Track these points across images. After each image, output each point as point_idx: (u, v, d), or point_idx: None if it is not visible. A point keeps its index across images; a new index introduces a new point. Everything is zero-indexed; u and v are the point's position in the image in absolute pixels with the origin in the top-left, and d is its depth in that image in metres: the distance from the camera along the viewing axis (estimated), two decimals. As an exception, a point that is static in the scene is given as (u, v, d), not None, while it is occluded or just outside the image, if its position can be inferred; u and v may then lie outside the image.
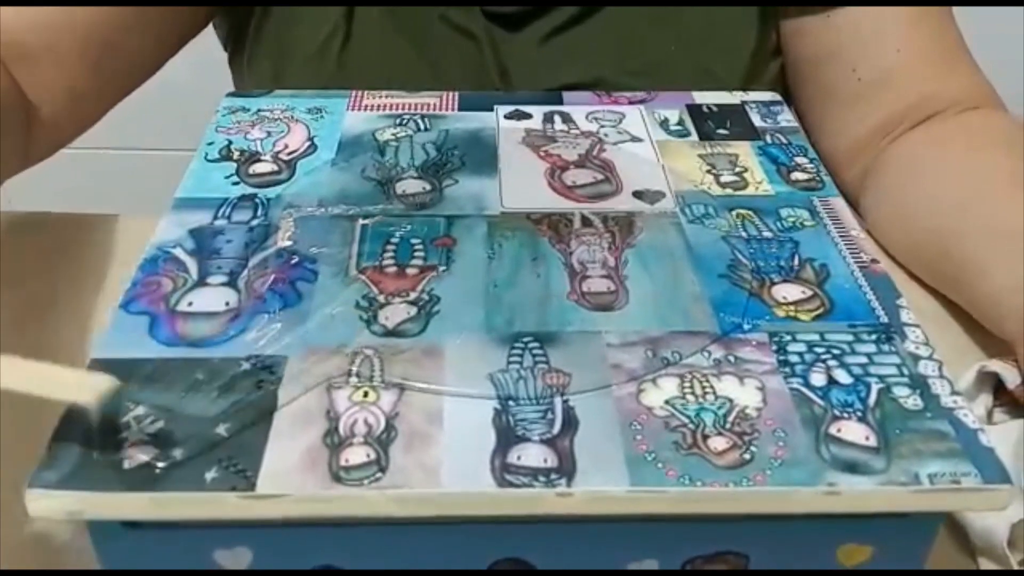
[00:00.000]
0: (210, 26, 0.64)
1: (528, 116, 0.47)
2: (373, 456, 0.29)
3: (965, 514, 0.39)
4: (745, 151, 0.45)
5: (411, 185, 0.42)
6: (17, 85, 0.50)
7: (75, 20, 0.53)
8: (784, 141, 0.46)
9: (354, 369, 0.32)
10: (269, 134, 0.45)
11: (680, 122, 0.47)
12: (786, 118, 0.48)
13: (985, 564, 0.39)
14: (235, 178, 0.42)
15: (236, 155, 0.44)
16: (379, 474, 0.28)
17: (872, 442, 0.30)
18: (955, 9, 0.59)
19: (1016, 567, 0.38)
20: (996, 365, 0.42)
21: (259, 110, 0.47)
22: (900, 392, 0.32)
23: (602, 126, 0.47)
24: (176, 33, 0.59)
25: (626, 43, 0.59)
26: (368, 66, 0.58)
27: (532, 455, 0.29)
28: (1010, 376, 0.42)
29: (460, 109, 0.48)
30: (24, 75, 0.51)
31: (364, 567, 0.31)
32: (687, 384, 0.32)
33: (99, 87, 0.56)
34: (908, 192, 0.54)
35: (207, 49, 0.64)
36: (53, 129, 0.53)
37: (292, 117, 0.47)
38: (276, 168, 0.43)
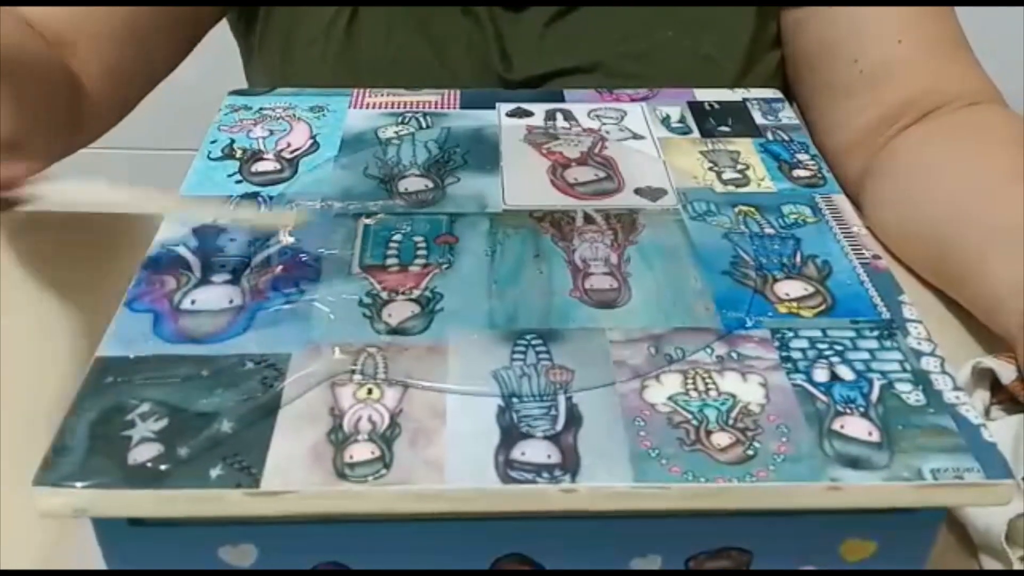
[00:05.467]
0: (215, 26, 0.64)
1: (530, 114, 0.47)
2: (377, 453, 0.29)
3: (964, 509, 0.39)
4: (747, 148, 0.45)
5: (413, 183, 0.42)
6: (68, 66, 0.51)
7: (109, 7, 0.55)
8: (786, 138, 0.46)
9: (358, 366, 0.32)
10: (271, 132, 0.45)
11: (682, 119, 0.47)
12: (787, 115, 0.48)
13: (986, 560, 0.39)
14: (238, 176, 0.42)
15: (239, 153, 0.44)
16: (383, 471, 0.28)
17: (875, 438, 0.30)
18: (955, 9, 0.59)
19: (1015, 562, 0.38)
20: (991, 361, 0.42)
21: (261, 108, 0.47)
22: (902, 388, 0.32)
23: (604, 123, 0.47)
24: (198, 22, 0.61)
25: (626, 28, 0.59)
26: (373, 46, 0.59)
27: (536, 451, 0.29)
28: (1005, 372, 0.42)
29: (462, 107, 0.48)
30: (72, 59, 0.52)
31: (369, 563, 0.31)
32: (690, 380, 0.32)
33: (136, 72, 0.58)
34: (909, 190, 0.54)
35: (210, 49, 0.64)
36: (97, 113, 0.55)
37: (294, 115, 0.47)
38: (278, 166, 0.43)
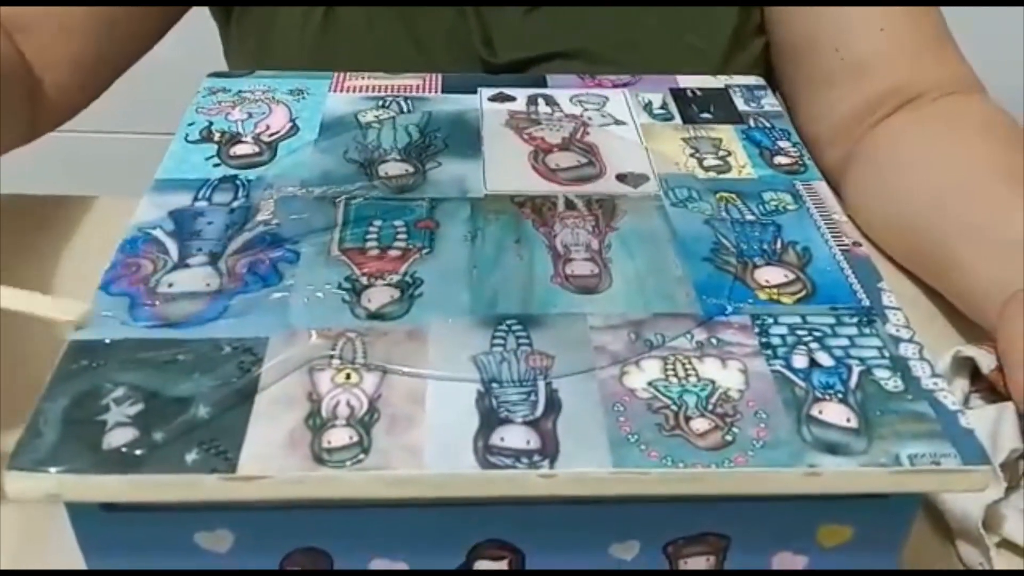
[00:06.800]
0: (194, 8, 0.64)
1: (512, 99, 0.47)
2: (356, 438, 0.29)
3: (941, 496, 0.40)
4: (728, 135, 0.45)
5: (394, 167, 0.41)
6: (21, 54, 0.50)
7: None
8: (767, 125, 0.46)
9: (336, 351, 0.32)
10: (250, 115, 0.45)
11: (664, 106, 0.47)
12: (770, 102, 0.48)
13: (962, 546, 0.40)
14: (216, 159, 0.42)
15: (217, 136, 0.43)
16: (362, 456, 0.28)
17: (853, 423, 0.30)
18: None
19: (992, 548, 0.38)
20: (972, 350, 0.42)
21: (240, 91, 0.47)
22: (881, 374, 0.32)
23: (586, 109, 0.46)
24: (166, 14, 0.60)
25: (609, 15, 0.59)
26: (352, 34, 0.58)
27: (515, 437, 0.29)
28: (985, 361, 0.42)
29: (444, 91, 0.47)
30: (29, 44, 0.51)
31: (346, 548, 0.31)
32: (670, 366, 0.32)
33: (102, 57, 0.57)
34: (889, 183, 0.54)
35: (188, 31, 0.64)
36: (59, 99, 0.54)
37: (273, 98, 0.46)
38: (257, 150, 0.42)
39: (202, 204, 0.39)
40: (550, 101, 0.47)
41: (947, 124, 0.55)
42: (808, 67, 0.60)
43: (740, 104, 0.48)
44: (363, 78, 0.48)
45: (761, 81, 0.50)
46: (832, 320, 0.34)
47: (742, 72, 0.53)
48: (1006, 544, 0.40)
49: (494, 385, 0.31)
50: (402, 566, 0.31)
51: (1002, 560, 0.38)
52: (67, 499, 0.29)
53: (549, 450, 0.29)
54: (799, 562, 0.32)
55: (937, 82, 0.57)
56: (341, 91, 0.47)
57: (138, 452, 0.28)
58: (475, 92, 0.47)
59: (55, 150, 0.57)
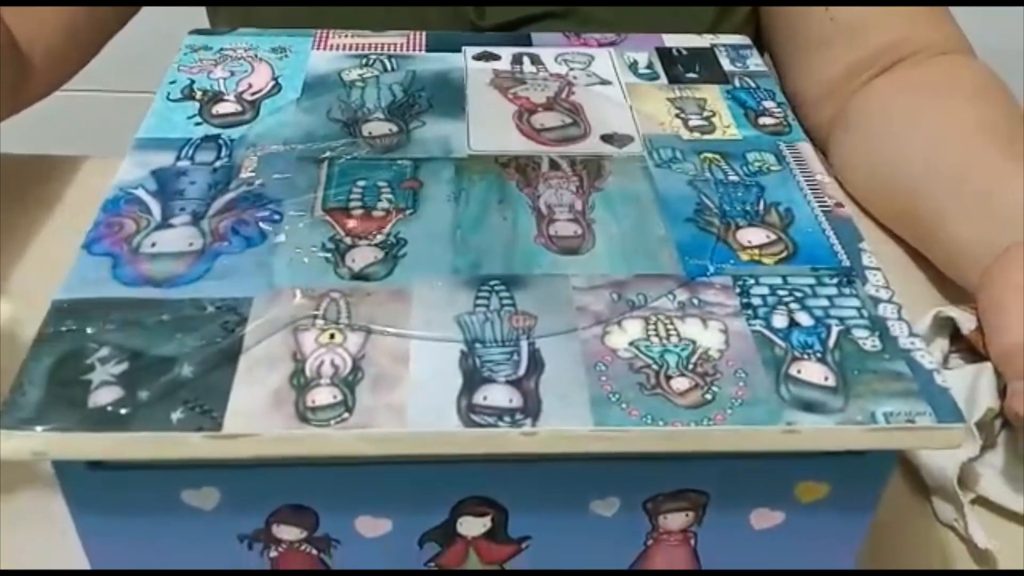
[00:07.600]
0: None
1: (496, 58, 0.47)
2: (340, 397, 0.29)
3: (918, 454, 0.40)
4: (714, 95, 0.45)
5: (378, 127, 0.41)
6: (7, 28, 0.50)
7: None
8: (752, 85, 0.46)
9: (320, 311, 0.32)
10: (232, 73, 0.44)
11: (649, 65, 0.47)
12: (755, 62, 0.48)
13: (938, 502, 0.41)
14: (198, 118, 0.41)
15: (198, 95, 0.43)
16: (346, 414, 0.29)
17: (831, 382, 0.30)
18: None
19: (966, 505, 0.39)
20: (952, 311, 0.43)
21: (222, 49, 0.46)
22: (859, 334, 0.32)
23: (571, 68, 0.46)
24: None
25: None
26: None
27: (498, 395, 0.29)
28: (966, 322, 0.42)
29: (428, 50, 0.47)
30: (20, 13, 0.51)
31: (330, 506, 0.31)
32: (652, 326, 0.32)
33: (95, 19, 0.57)
34: (876, 146, 0.54)
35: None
36: (54, 65, 0.54)
37: (256, 56, 0.46)
38: (240, 108, 0.42)
39: (185, 163, 0.38)
40: (535, 60, 0.47)
41: (941, 85, 0.55)
42: (801, 31, 0.60)
43: (726, 64, 0.47)
44: (346, 36, 0.48)
45: (747, 40, 0.50)
46: (812, 280, 0.34)
47: (732, 32, 0.53)
48: (981, 501, 0.41)
49: (477, 345, 0.31)
50: (386, 522, 0.31)
51: (977, 516, 0.39)
52: (54, 457, 0.29)
53: (531, 408, 0.29)
54: (776, 518, 0.32)
55: (930, 42, 0.57)
56: (324, 49, 0.47)
57: (124, 411, 0.28)
58: (459, 51, 0.47)
59: (39, 110, 0.57)
